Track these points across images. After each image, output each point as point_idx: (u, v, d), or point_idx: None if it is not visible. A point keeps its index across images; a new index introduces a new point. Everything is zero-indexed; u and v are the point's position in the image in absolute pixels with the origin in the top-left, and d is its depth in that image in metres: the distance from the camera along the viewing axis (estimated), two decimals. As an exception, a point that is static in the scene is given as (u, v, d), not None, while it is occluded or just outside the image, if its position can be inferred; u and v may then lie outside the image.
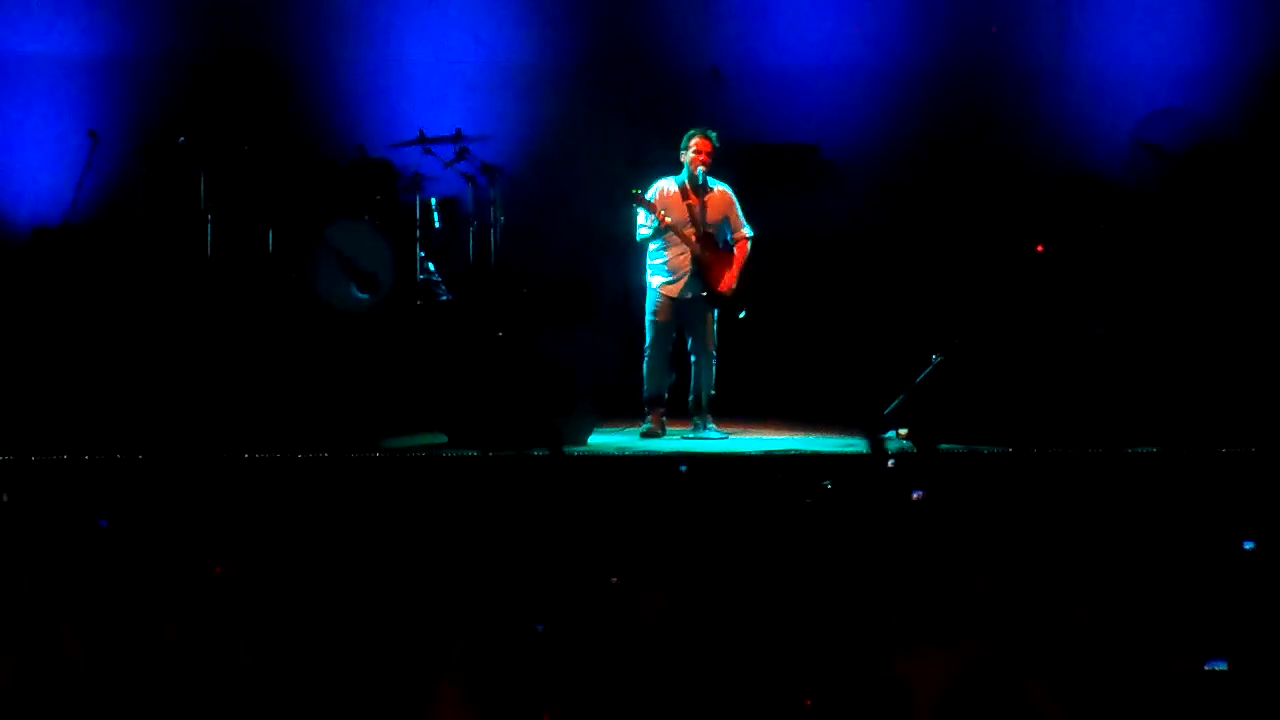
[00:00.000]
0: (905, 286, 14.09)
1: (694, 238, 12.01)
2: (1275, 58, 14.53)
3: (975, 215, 14.22)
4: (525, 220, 13.95)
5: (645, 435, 12.14)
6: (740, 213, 12.17)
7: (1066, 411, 11.59)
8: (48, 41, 14.32)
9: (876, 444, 11.03)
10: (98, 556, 6.53)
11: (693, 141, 12.02)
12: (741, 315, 12.15)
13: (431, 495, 8.76)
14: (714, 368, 12.20)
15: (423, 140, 13.49)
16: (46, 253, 12.99)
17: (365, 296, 12.95)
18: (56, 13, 14.33)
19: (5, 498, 7.71)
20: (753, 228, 12.18)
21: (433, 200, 13.42)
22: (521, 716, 5.34)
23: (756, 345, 13.14)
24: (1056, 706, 5.12)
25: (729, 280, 12.08)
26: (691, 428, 12.24)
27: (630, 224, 12.12)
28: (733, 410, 12.61)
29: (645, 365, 12.17)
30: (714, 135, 12.06)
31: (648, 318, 12.15)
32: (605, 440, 12.00)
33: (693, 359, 12.23)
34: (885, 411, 11.91)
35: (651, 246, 12.08)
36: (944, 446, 11.31)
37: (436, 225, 13.42)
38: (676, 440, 12.06)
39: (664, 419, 12.24)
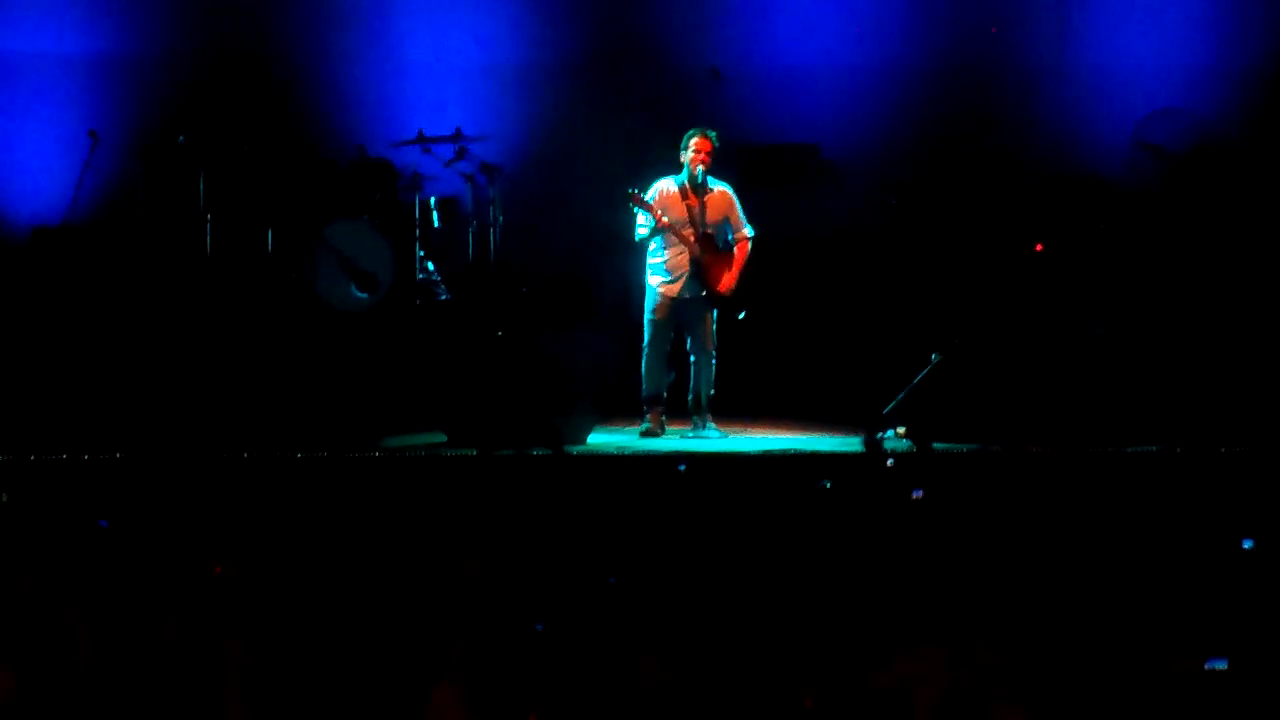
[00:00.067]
0: (905, 286, 14.09)
1: (693, 238, 12.00)
2: (1275, 57, 14.53)
3: (975, 215, 14.22)
4: (525, 220, 13.95)
5: (644, 434, 12.13)
6: (741, 213, 12.16)
7: (1066, 411, 11.59)
8: (47, 41, 14.32)
9: (873, 444, 11.03)
10: (98, 556, 6.53)
11: (693, 141, 12.02)
12: (741, 316, 12.15)
13: (431, 494, 8.76)
14: (713, 367, 12.19)
15: (422, 140, 13.49)
16: (46, 252, 12.99)
17: (365, 296, 12.95)
18: (56, 12, 14.32)
19: (4, 497, 7.71)
20: (753, 228, 12.17)
21: (432, 200, 13.42)
22: (519, 714, 5.34)
23: (756, 345, 13.13)
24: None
25: (728, 281, 12.07)
26: (691, 427, 12.24)
27: (629, 223, 12.12)
28: (732, 410, 12.61)
29: (644, 364, 12.17)
30: (714, 135, 12.05)
31: (646, 317, 12.15)
32: (604, 439, 11.99)
33: (692, 359, 12.23)
34: (884, 411, 11.91)
35: (651, 246, 12.08)
36: (943, 446, 11.31)
37: (436, 225, 13.42)
38: (676, 440, 12.05)
39: (663, 418, 12.23)
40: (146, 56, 14.34)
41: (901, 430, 11.71)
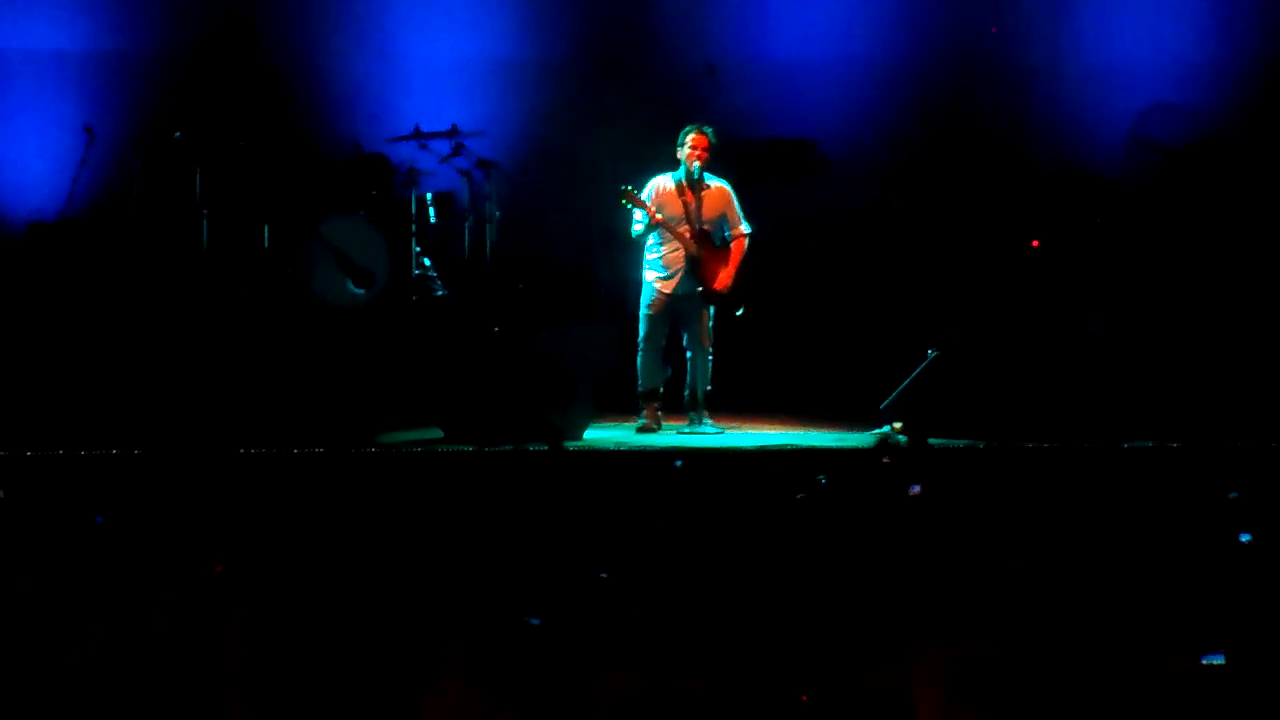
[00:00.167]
0: (902, 281, 14.10)
1: (689, 234, 12.00)
2: (1271, 52, 14.53)
3: (971, 210, 14.22)
4: (521, 215, 13.95)
5: (641, 430, 12.13)
6: (739, 209, 12.16)
7: (1062, 406, 11.60)
8: (43, 37, 14.30)
9: (886, 441, 11.05)
10: (95, 553, 6.52)
11: (689, 137, 12.02)
12: (739, 312, 12.14)
13: (427, 490, 8.75)
14: (710, 363, 12.19)
15: (418, 135, 13.49)
16: (42, 248, 12.98)
17: (361, 291, 12.95)
18: (52, 9, 14.31)
19: (1, 494, 7.71)
20: (750, 224, 12.17)
21: (428, 195, 13.41)
22: (516, 708, 5.34)
23: (752, 340, 13.13)
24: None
25: (724, 278, 12.06)
26: (687, 423, 12.24)
27: (626, 220, 12.12)
28: (728, 405, 12.61)
29: (640, 360, 12.17)
30: (710, 131, 12.05)
31: (643, 312, 12.15)
32: (601, 435, 11.99)
33: (688, 355, 12.23)
34: (881, 406, 11.92)
35: (648, 242, 12.08)
36: (940, 441, 11.31)
37: (432, 220, 13.41)
38: (672, 435, 12.05)
39: (659, 413, 12.23)
40: (142, 52, 14.34)
41: (898, 426, 11.71)
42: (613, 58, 14.53)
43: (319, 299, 12.88)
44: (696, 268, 12.02)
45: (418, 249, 13.27)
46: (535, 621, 5.84)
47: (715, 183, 12.12)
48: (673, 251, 12.03)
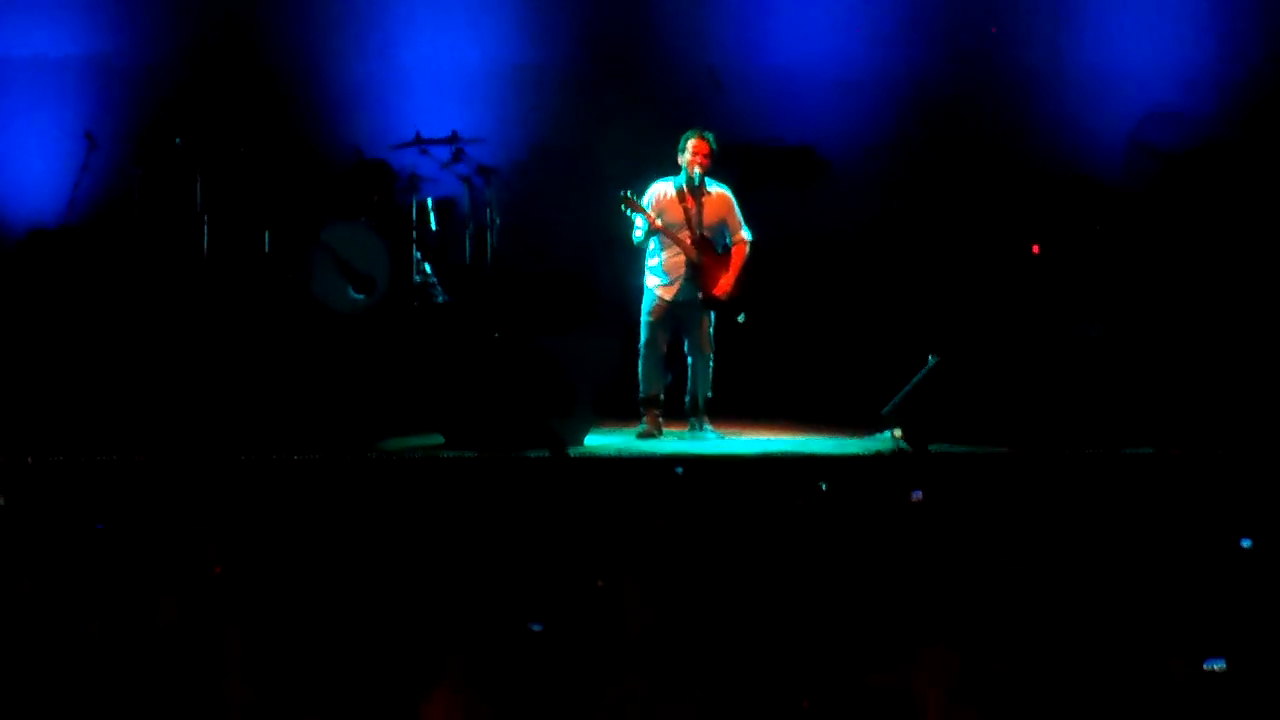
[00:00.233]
0: (902, 287, 14.10)
1: (689, 240, 12.00)
2: (1272, 58, 14.53)
3: (971, 216, 14.22)
4: (522, 221, 13.95)
5: (641, 436, 12.13)
6: (739, 215, 12.16)
7: (1062, 412, 11.60)
8: (44, 44, 14.31)
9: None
10: (95, 559, 6.53)
11: (690, 143, 12.02)
12: (741, 319, 12.15)
13: (428, 496, 8.76)
14: (710, 370, 12.19)
15: (419, 142, 13.49)
16: (43, 254, 12.98)
17: (362, 298, 12.95)
18: (53, 15, 14.32)
19: (1, 501, 7.71)
20: (751, 230, 12.17)
21: (429, 201, 13.41)
22: (519, 716, 5.34)
23: (753, 346, 13.13)
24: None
25: (725, 284, 12.06)
26: (688, 429, 12.24)
27: (627, 226, 12.12)
28: (729, 411, 12.61)
29: (641, 366, 12.17)
30: (711, 136, 12.05)
31: (643, 319, 12.15)
32: (602, 441, 11.99)
33: (689, 361, 12.23)
34: (882, 412, 11.92)
35: (650, 247, 12.08)
36: (940, 447, 11.31)
37: (433, 226, 13.41)
38: (673, 441, 12.06)
39: (660, 420, 12.23)
40: (143, 58, 14.34)
41: (898, 433, 11.71)
42: (614, 63, 14.53)
43: (320, 305, 12.89)
44: (697, 274, 12.03)
45: (419, 255, 13.27)
46: (537, 628, 5.84)
47: (716, 188, 12.12)
48: (674, 258, 12.03)
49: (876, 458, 10.72)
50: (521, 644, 5.72)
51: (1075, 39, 14.64)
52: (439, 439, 11.70)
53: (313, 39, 14.49)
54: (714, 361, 12.21)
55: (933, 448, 11.29)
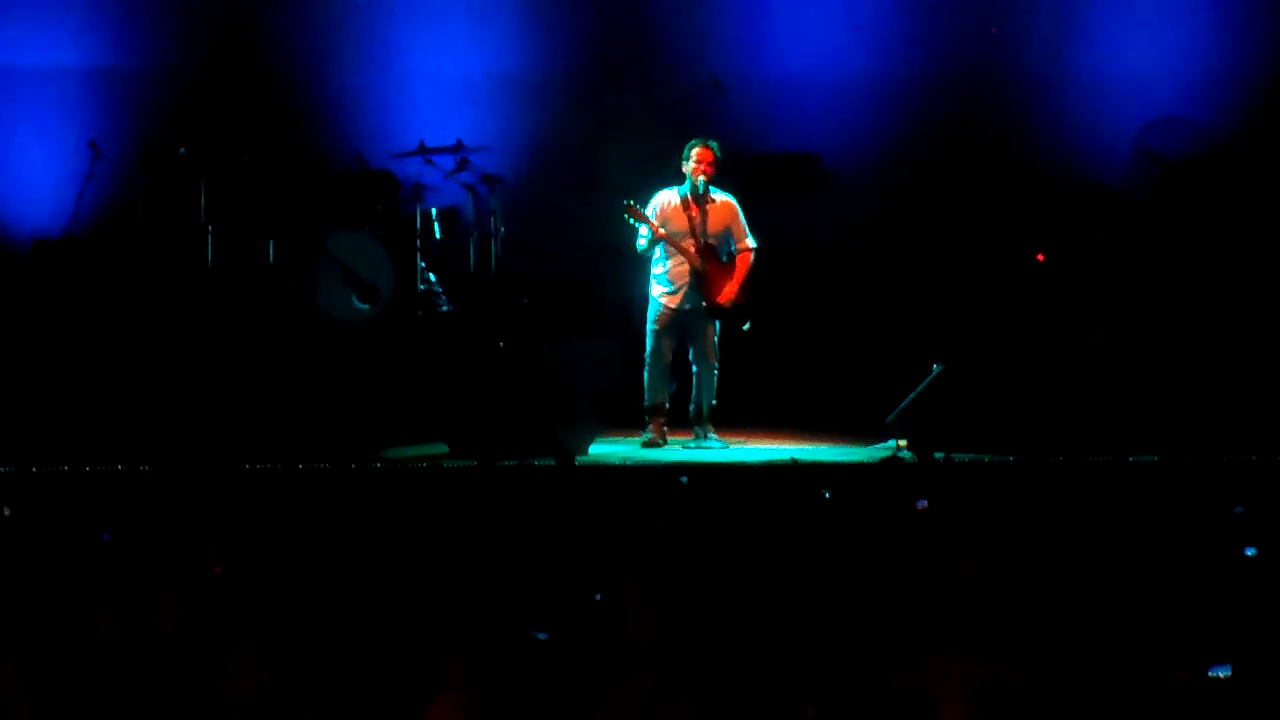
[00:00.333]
0: (906, 295, 14.10)
1: (693, 249, 12.00)
2: (1276, 64, 14.53)
3: (976, 224, 14.22)
4: (526, 230, 13.96)
5: (646, 445, 12.13)
6: (744, 223, 12.16)
7: (1067, 420, 11.59)
8: (48, 54, 14.32)
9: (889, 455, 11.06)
10: (101, 569, 6.53)
11: (694, 152, 12.02)
12: (745, 327, 12.15)
13: (432, 505, 8.75)
14: (715, 378, 12.20)
15: (423, 151, 13.50)
16: (47, 264, 12.99)
17: (366, 307, 12.96)
18: (57, 25, 14.33)
19: (6, 512, 7.71)
20: (756, 239, 12.17)
21: (433, 210, 13.42)
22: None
23: (758, 355, 13.13)
24: None
25: (729, 292, 12.07)
26: (693, 437, 12.24)
27: (631, 234, 12.12)
28: (734, 420, 12.61)
29: (645, 375, 12.18)
30: (715, 145, 12.05)
31: (648, 327, 12.16)
32: (606, 450, 11.99)
33: (694, 369, 12.23)
34: (886, 420, 11.91)
35: (654, 256, 12.09)
36: (943, 455, 11.30)
37: (437, 235, 13.42)
38: (678, 450, 12.06)
39: (665, 428, 12.23)
40: (147, 68, 14.35)
41: (903, 441, 11.71)
42: (618, 72, 14.54)
43: (324, 314, 12.89)
44: (701, 282, 12.03)
45: (423, 264, 13.28)
46: (542, 636, 5.84)
47: (721, 197, 12.13)
48: (678, 266, 12.04)
49: (880, 466, 10.71)
50: (524, 650, 5.72)
51: (1079, 46, 14.64)
52: (443, 448, 11.70)
53: (317, 48, 14.50)
54: (719, 370, 12.21)
55: (937, 455, 11.28)
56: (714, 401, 12.22)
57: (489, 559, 6.91)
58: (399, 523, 7.92)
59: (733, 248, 12.15)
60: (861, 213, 14.26)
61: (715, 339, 12.17)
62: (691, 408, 12.28)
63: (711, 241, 12.07)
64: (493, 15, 14.62)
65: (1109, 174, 14.39)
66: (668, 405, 12.26)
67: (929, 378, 11.93)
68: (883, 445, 11.84)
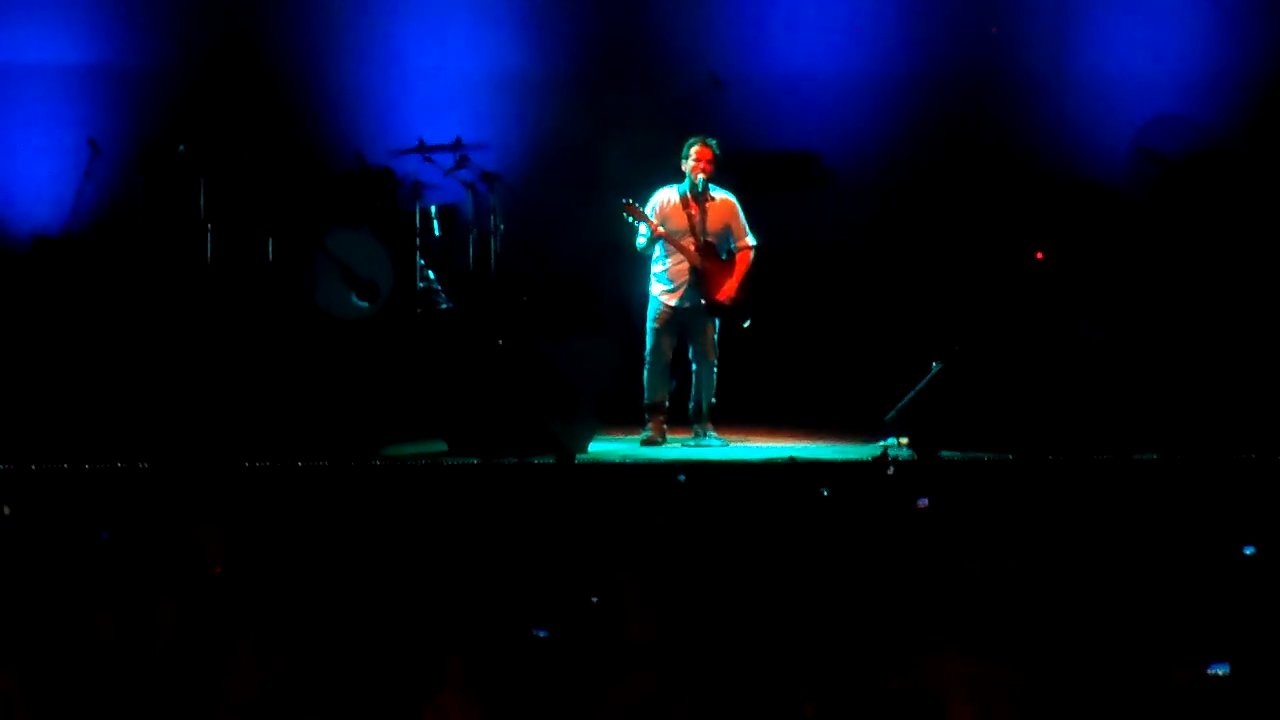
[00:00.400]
0: (906, 293, 14.09)
1: (692, 247, 12.00)
2: (1275, 63, 14.52)
3: (975, 222, 14.22)
4: (525, 228, 13.95)
5: (645, 443, 12.13)
6: (744, 221, 12.16)
7: (1066, 419, 11.59)
8: (47, 51, 14.31)
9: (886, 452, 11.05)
10: (99, 567, 6.53)
11: (693, 150, 12.02)
12: (746, 325, 12.15)
13: (431, 503, 8.76)
14: (714, 376, 12.20)
15: (422, 148, 13.50)
16: (46, 262, 12.99)
17: (365, 304, 12.95)
18: (56, 22, 14.32)
19: (6, 511, 7.71)
20: (756, 236, 12.17)
21: (433, 208, 13.41)
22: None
23: (757, 353, 13.13)
24: None
25: (728, 290, 12.07)
26: (692, 435, 12.24)
27: (630, 232, 12.12)
28: (733, 418, 12.61)
29: (645, 373, 12.18)
30: (714, 143, 12.05)
31: (648, 325, 12.16)
32: (606, 448, 11.99)
33: (694, 367, 12.23)
34: (886, 419, 11.91)
35: (654, 254, 12.08)
36: (944, 454, 11.30)
37: (436, 233, 13.41)
38: (677, 448, 12.06)
39: (664, 426, 12.23)
40: (146, 66, 14.34)
41: (905, 440, 11.71)
42: (617, 70, 14.53)
43: (323, 312, 12.88)
44: (701, 280, 12.03)
45: (422, 262, 13.27)
46: (542, 634, 5.85)
47: (720, 194, 12.13)
48: (678, 264, 12.04)
49: (880, 463, 10.71)
50: (524, 647, 5.73)
51: (1078, 44, 14.64)
52: (442, 445, 11.70)
53: (316, 46, 14.49)
54: (718, 368, 12.21)
55: (943, 454, 11.28)
56: (713, 400, 12.22)
57: (488, 557, 6.91)
58: (398, 521, 7.93)
59: (732, 246, 12.15)
60: (861, 211, 14.26)
61: (715, 337, 12.17)
62: (691, 406, 12.28)
63: (711, 239, 12.07)
64: (492, 13, 14.61)
65: (1108, 172, 14.38)
66: (667, 403, 12.26)
67: (928, 376, 11.93)
68: (883, 443, 11.83)
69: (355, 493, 9.66)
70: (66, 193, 13.55)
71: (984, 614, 5.87)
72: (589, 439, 11.87)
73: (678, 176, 12.10)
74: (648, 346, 12.16)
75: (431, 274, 13.37)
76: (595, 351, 12.66)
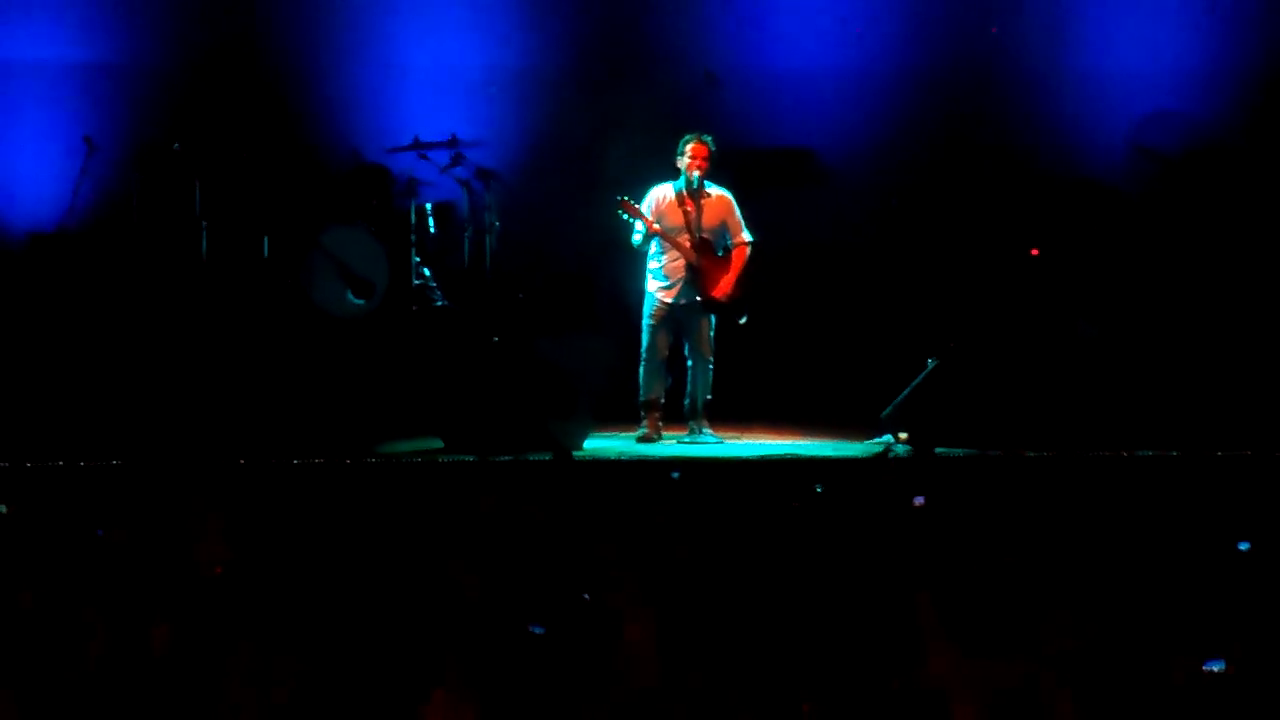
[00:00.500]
0: (902, 290, 14.10)
1: (688, 244, 12.01)
2: (1271, 60, 14.54)
3: (971, 219, 14.23)
4: (521, 225, 13.95)
5: (641, 439, 12.14)
6: (740, 218, 12.17)
7: (1062, 415, 11.60)
8: (43, 48, 14.31)
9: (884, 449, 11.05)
10: (96, 565, 6.53)
11: (689, 146, 12.03)
12: (742, 321, 12.16)
13: (427, 500, 8.75)
14: (710, 373, 12.20)
15: (418, 146, 13.49)
16: (42, 259, 12.98)
17: (361, 302, 12.95)
18: (53, 20, 14.32)
19: (4, 509, 7.70)
20: (752, 233, 12.17)
21: (428, 205, 13.41)
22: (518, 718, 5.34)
23: (753, 349, 13.14)
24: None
25: (725, 286, 12.07)
26: (687, 432, 12.25)
27: (627, 229, 12.12)
28: (729, 414, 12.61)
29: (641, 369, 12.18)
30: (710, 139, 12.06)
31: (644, 322, 12.16)
32: (601, 444, 12.00)
33: (689, 364, 12.24)
34: (881, 415, 11.92)
35: (650, 251, 12.09)
36: (940, 450, 11.31)
37: (432, 230, 13.41)
38: (672, 445, 12.06)
39: (660, 423, 12.24)
40: (142, 64, 14.34)
41: (903, 436, 11.71)
42: (613, 67, 14.53)
43: (319, 309, 12.88)
44: (697, 277, 12.04)
45: (417, 259, 13.28)
46: (538, 630, 5.85)
47: (716, 191, 12.13)
48: (674, 261, 12.04)
49: (876, 460, 10.71)
50: (520, 646, 5.73)
51: (1075, 42, 14.64)
52: (438, 443, 11.70)
53: (311, 44, 14.49)
54: (714, 365, 12.21)
55: (938, 451, 11.29)
56: (709, 396, 12.23)
57: (484, 553, 6.91)
58: (394, 518, 7.92)
59: (729, 242, 12.15)
60: (857, 208, 14.27)
61: (711, 334, 12.17)
62: (687, 403, 12.28)
63: (707, 236, 12.07)
64: (488, 10, 14.62)
65: (1105, 169, 14.39)
66: (663, 400, 12.27)
67: (924, 372, 11.93)
68: (879, 440, 11.83)
69: (351, 490, 9.65)
70: (63, 190, 13.54)
71: (980, 613, 5.87)
72: (584, 436, 11.87)
73: (674, 173, 12.10)
74: (644, 343, 12.16)
75: (427, 271, 13.37)
76: (591, 349, 12.65)
